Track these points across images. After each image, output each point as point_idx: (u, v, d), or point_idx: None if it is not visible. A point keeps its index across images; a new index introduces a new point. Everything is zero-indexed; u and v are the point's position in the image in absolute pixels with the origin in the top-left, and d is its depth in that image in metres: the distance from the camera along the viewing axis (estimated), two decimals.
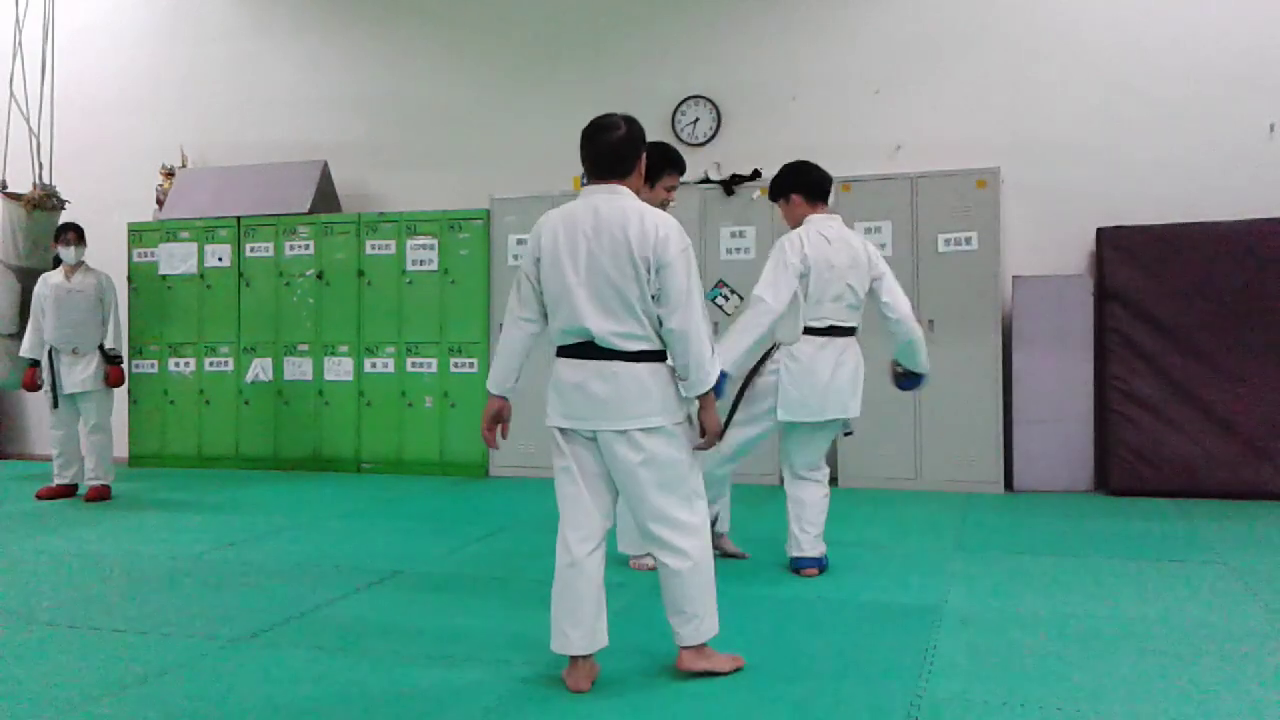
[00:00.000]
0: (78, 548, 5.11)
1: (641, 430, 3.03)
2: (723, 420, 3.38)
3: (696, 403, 3.12)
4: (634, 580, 4.29)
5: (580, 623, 3.10)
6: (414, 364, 7.57)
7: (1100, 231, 6.50)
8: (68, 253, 6.59)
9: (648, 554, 4.13)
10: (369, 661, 3.27)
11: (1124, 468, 6.26)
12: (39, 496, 6.62)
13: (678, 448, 3.08)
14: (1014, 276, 6.59)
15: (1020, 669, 3.13)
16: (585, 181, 3.34)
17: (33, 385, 6.69)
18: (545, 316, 3.23)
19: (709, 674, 3.10)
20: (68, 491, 6.68)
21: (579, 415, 3.15)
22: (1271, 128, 6.47)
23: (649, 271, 3.02)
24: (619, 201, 3.17)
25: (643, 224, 3.06)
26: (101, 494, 6.54)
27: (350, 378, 7.70)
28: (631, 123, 3.23)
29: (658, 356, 3.07)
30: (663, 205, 4.59)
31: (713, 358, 3.05)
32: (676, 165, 4.52)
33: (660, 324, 3.03)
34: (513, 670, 3.17)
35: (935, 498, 6.26)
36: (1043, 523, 5.48)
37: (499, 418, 3.38)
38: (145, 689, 3.05)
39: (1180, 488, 6.11)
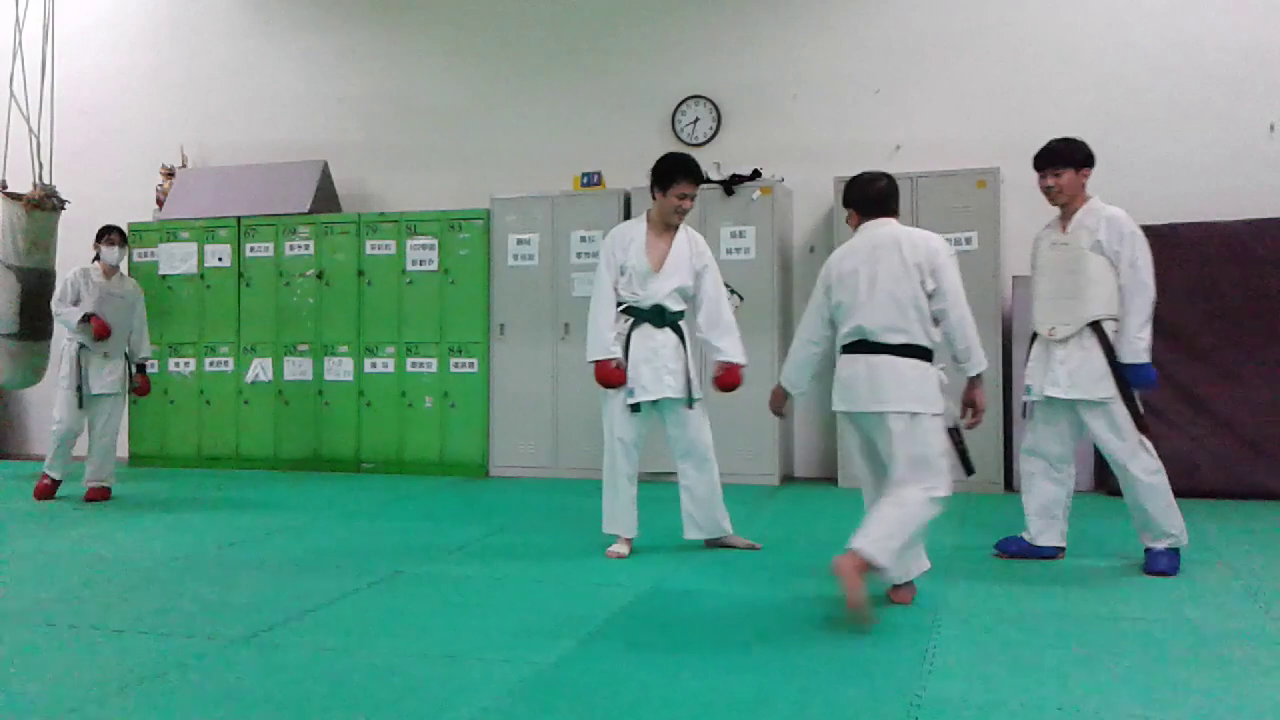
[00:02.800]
0: (78, 548, 5.11)
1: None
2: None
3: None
4: (633, 581, 4.28)
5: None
6: (414, 364, 7.57)
7: None
8: (111, 253, 6.55)
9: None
10: (369, 661, 3.27)
11: None
12: (38, 495, 6.56)
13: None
14: (1014, 276, 6.58)
15: (1020, 669, 3.12)
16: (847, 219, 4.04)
17: (104, 331, 6.38)
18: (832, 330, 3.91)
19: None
20: (57, 486, 6.60)
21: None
22: (1271, 128, 6.48)
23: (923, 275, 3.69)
24: (890, 229, 3.85)
25: (912, 239, 3.79)
26: (102, 495, 6.54)
27: (350, 378, 7.70)
28: (890, 177, 3.98)
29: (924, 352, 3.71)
30: (677, 212, 4.66)
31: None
32: (689, 174, 4.67)
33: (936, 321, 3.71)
34: (513, 670, 3.17)
35: None
36: None
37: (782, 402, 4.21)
38: (145, 689, 3.04)
39: (1180, 488, 6.02)
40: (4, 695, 3.00)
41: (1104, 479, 6.40)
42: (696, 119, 7.63)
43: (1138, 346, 4.23)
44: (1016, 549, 4.60)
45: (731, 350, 4.70)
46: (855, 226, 3.96)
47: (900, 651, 3.31)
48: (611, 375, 4.59)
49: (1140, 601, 3.89)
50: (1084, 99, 6.84)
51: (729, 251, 6.90)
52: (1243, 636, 3.45)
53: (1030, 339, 4.58)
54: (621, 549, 4.71)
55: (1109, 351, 4.25)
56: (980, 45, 7.09)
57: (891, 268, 3.69)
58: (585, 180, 7.39)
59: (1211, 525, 5.32)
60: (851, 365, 3.77)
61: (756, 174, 7.02)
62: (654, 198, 4.74)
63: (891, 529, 3.56)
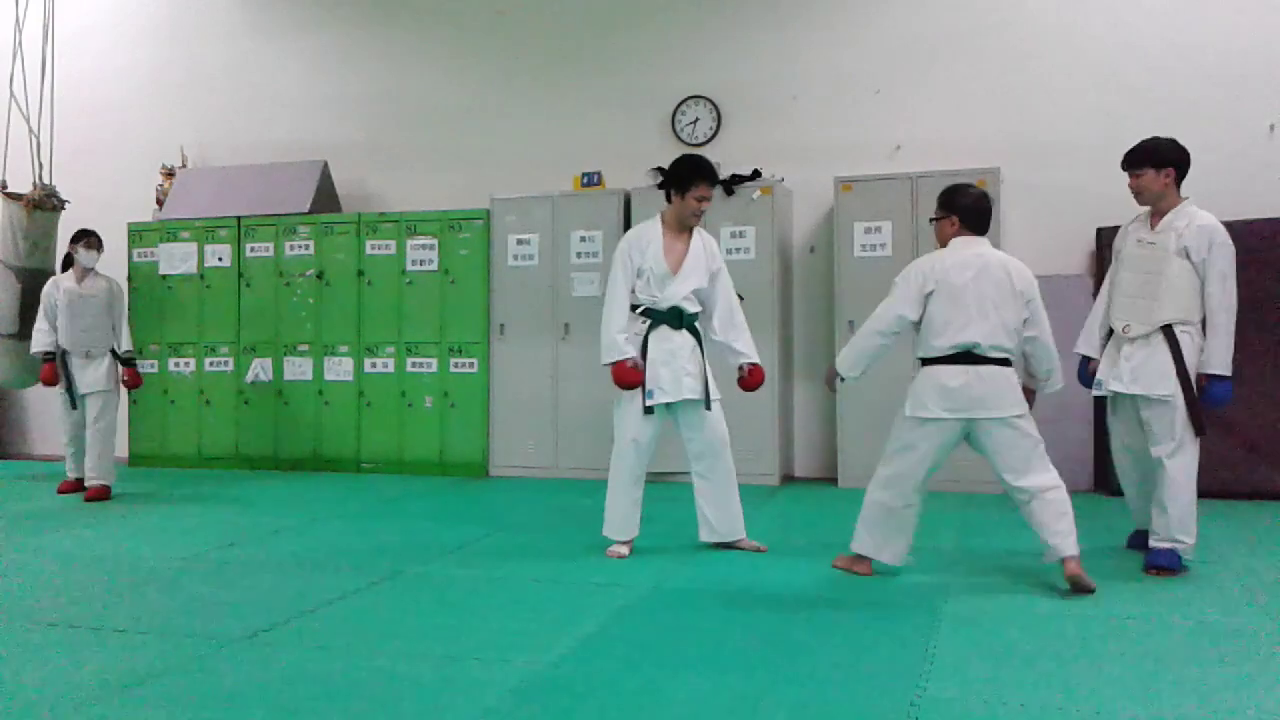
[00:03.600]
0: (78, 548, 5.11)
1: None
2: None
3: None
4: (633, 581, 4.28)
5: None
6: (414, 364, 7.57)
7: (1100, 231, 6.50)
8: (88, 257, 6.65)
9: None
10: (369, 661, 3.27)
11: None
12: (60, 491, 6.78)
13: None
14: None
15: (1020, 669, 3.12)
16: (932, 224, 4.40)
17: (51, 379, 6.68)
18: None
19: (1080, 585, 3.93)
20: (81, 485, 6.78)
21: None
22: (1271, 128, 6.47)
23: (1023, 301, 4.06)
24: (995, 253, 4.18)
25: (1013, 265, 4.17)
26: (101, 494, 6.56)
27: (350, 378, 7.70)
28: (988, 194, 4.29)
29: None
30: (695, 215, 4.70)
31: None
32: (707, 176, 4.74)
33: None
34: (513, 670, 3.17)
35: (935, 498, 6.20)
36: None
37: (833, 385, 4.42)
38: (145, 689, 3.05)
39: None
40: (4, 695, 3.00)
41: (1104, 479, 6.40)
42: (696, 119, 7.63)
43: (1227, 359, 4.31)
44: (1143, 542, 4.63)
45: (750, 351, 4.78)
46: (949, 234, 4.17)
47: (900, 651, 3.31)
48: (630, 375, 4.58)
49: (1140, 601, 3.90)
50: (1084, 99, 6.84)
51: (729, 251, 6.88)
52: (1243, 636, 3.45)
53: (1106, 333, 4.65)
54: (622, 550, 4.70)
55: (1177, 353, 4.31)
56: (980, 45, 7.09)
57: (1003, 292, 4.03)
58: (585, 180, 7.39)
59: (1212, 525, 5.30)
60: (960, 375, 4.02)
61: (756, 174, 7.02)
62: (669, 200, 4.75)
63: (1066, 520, 3.99)
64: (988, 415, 4.00)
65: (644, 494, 4.78)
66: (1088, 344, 4.72)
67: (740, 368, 4.79)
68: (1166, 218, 4.45)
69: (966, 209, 4.18)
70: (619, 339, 4.59)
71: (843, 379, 4.32)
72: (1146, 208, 4.57)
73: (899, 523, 4.24)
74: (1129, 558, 4.62)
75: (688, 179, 4.67)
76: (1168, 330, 4.31)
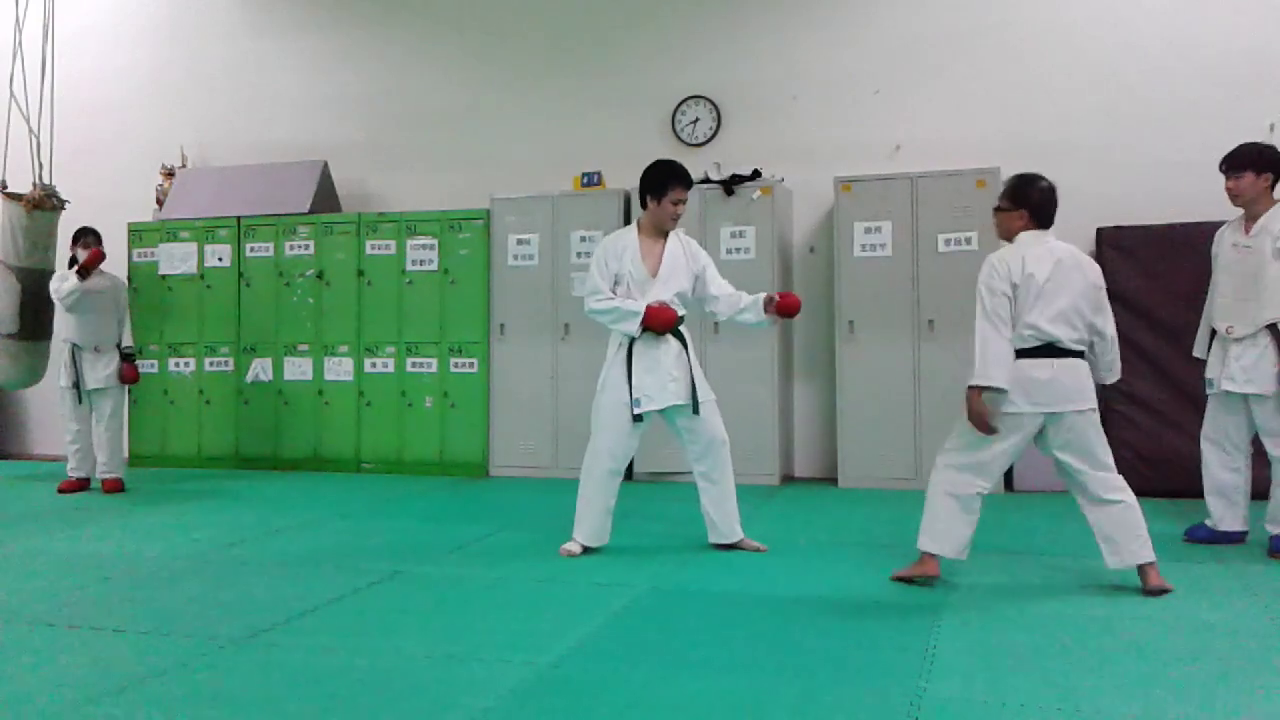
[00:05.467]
0: (78, 548, 5.11)
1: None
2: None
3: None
4: (633, 581, 4.28)
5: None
6: (414, 364, 7.57)
7: (1100, 231, 6.51)
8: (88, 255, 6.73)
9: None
10: (369, 661, 3.27)
11: (1124, 468, 6.11)
12: (60, 491, 6.83)
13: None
14: None
15: (1020, 669, 3.13)
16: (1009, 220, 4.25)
17: (95, 260, 6.66)
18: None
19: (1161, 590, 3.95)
20: (84, 485, 6.90)
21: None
22: (1271, 128, 6.46)
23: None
24: (1065, 247, 4.17)
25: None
26: (115, 486, 6.79)
27: (350, 378, 7.70)
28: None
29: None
30: (672, 218, 4.70)
31: None
32: (682, 180, 4.73)
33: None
34: (513, 670, 3.17)
35: None
36: (1043, 523, 5.49)
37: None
38: (145, 689, 3.05)
39: (1180, 488, 6.10)
40: (4, 695, 3.00)
41: None
42: (696, 119, 7.63)
43: None
44: (1205, 535, 4.86)
45: (757, 296, 4.72)
46: (1017, 228, 4.17)
47: (900, 651, 3.31)
48: (665, 313, 4.60)
49: (1140, 601, 3.90)
50: (1084, 99, 6.84)
51: (729, 251, 6.90)
52: (1243, 636, 3.45)
53: (1210, 335, 4.82)
54: (575, 548, 4.72)
55: None
56: (980, 45, 7.09)
57: (1077, 286, 4.05)
58: (585, 180, 7.39)
59: None
60: (1046, 368, 4.00)
61: (756, 174, 7.02)
62: (645, 206, 4.77)
63: (1140, 525, 4.00)
64: (1073, 409, 3.99)
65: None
66: (1201, 347, 4.94)
67: (767, 300, 4.68)
68: (1261, 221, 4.61)
69: (1039, 206, 4.16)
70: (621, 302, 4.62)
71: (997, 390, 4.00)
72: (1240, 212, 4.72)
73: (967, 514, 4.16)
74: None
75: (664, 184, 4.68)
76: (1273, 329, 4.49)
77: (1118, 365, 4.26)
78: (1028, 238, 4.14)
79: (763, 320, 4.73)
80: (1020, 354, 4.00)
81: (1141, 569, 3.99)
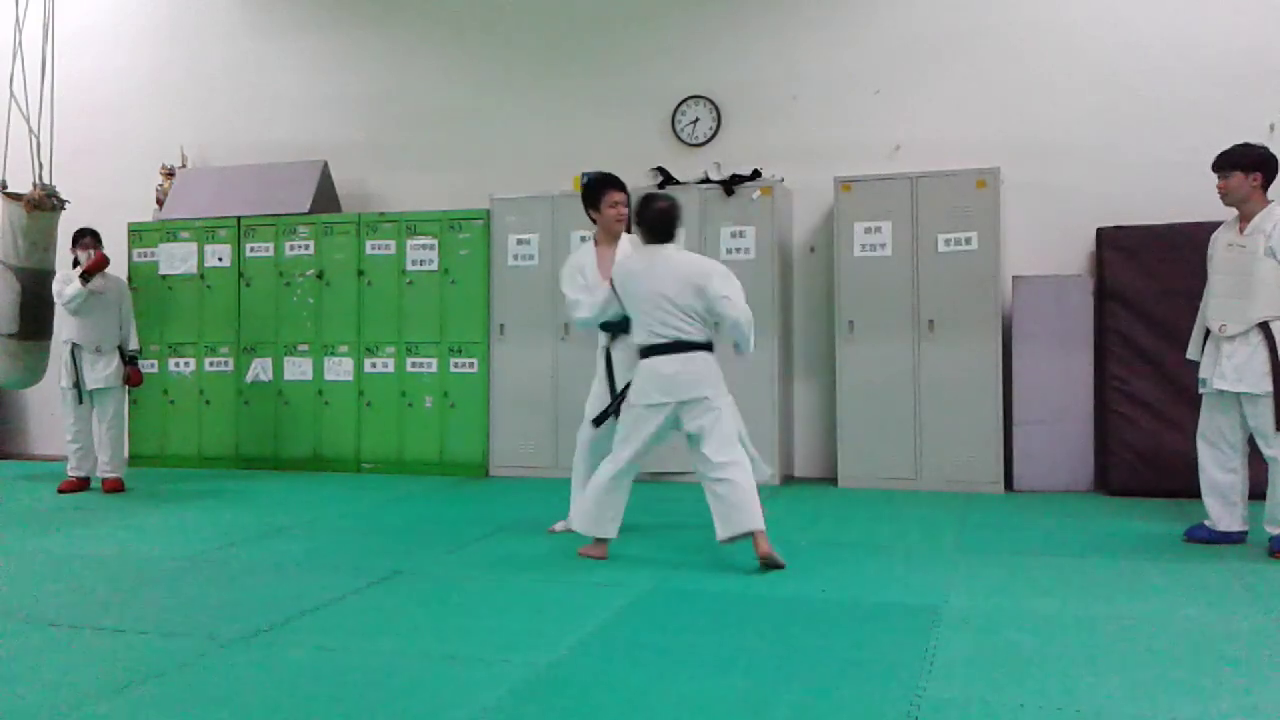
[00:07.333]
0: (78, 548, 5.11)
1: None
2: None
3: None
4: (633, 581, 4.28)
5: None
6: (414, 364, 7.57)
7: (1100, 231, 6.51)
8: (87, 257, 6.77)
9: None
10: (369, 661, 3.27)
11: (1124, 468, 6.26)
12: (60, 490, 6.84)
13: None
14: (1014, 276, 6.59)
15: (1020, 669, 3.13)
16: None
17: (101, 261, 6.77)
18: None
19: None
20: (84, 484, 6.92)
21: None
22: (1271, 128, 6.46)
23: None
24: None
25: None
26: (116, 486, 6.82)
27: (350, 378, 7.70)
28: None
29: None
30: (617, 221, 4.96)
31: None
32: (612, 183, 5.07)
33: None
34: (513, 670, 3.17)
35: (935, 498, 6.26)
36: (1043, 523, 5.48)
37: None
38: (145, 689, 3.05)
39: (1180, 488, 6.09)
40: (4, 695, 3.00)
41: (1104, 479, 6.40)
42: (696, 119, 7.63)
43: None
44: (1205, 535, 4.86)
45: None
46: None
47: (900, 651, 3.31)
48: None
49: (1140, 601, 3.90)
50: (1084, 99, 6.84)
51: (729, 251, 6.89)
52: (1243, 636, 3.45)
53: (1204, 334, 4.86)
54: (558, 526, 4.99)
55: (1273, 349, 4.50)
56: (980, 45, 7.08)
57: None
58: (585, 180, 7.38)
59: None
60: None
61: (756, 174, 7.02)
62: (592, 219, 5.10)
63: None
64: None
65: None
66: (1195, 349, 4.98)
67: None
68: (1254, 220, 4.65)
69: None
70: (588, 294, 4.82)
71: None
72: (1235, 211, 4.76)
73: None
74: (1129, 558, 4.62)
75: (597, 191, 5.03)
76: (1265, 327, 4.54)
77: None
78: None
79: None
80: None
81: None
